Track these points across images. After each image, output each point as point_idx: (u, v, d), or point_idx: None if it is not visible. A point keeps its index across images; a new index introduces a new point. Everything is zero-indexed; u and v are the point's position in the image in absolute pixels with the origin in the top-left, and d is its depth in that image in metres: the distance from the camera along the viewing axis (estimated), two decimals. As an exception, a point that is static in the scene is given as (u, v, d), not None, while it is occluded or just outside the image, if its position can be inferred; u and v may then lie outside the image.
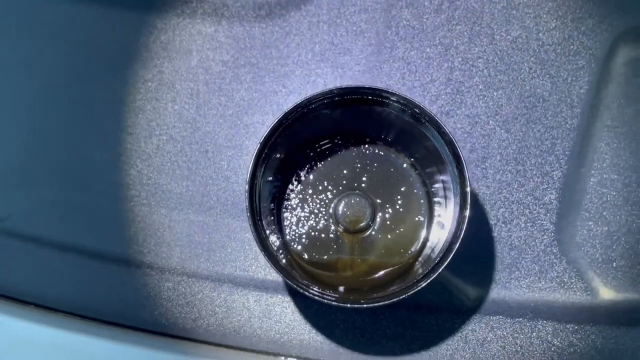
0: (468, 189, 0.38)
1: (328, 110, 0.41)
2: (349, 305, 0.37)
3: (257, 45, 0.52)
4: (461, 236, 0.38)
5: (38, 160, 0.52)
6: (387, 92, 0.40)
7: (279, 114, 0.40)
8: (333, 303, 0.38)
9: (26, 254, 0.50)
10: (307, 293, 0.38)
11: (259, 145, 0.39)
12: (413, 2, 0.52)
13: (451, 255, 0.37)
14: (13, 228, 0.50)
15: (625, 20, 0.50)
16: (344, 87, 0.40)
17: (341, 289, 0.44)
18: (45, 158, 0.52)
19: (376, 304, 0.37)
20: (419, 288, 0.37)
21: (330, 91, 0.40)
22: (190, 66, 0.52)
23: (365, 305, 0.37)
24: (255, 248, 0.49)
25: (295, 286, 0.38)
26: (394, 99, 0.40)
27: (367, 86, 0.40)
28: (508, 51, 0.51)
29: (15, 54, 0.53)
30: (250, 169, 0.39)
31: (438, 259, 0.38)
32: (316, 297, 0.38)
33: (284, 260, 0.43)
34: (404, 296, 0.37)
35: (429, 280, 0.37)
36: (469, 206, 0.38)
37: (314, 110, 0.41)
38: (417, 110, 0.40)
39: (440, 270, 0.37)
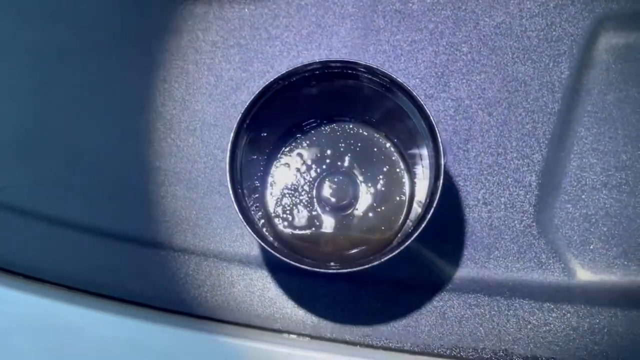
0: (442, 161, 0.39)
1: (308, 87, 0.43)
2: (323, 271, 0.38)
3: (246, 27, 0.53)
4: (434, 205, 0.39)
5: (35, 136, 0.53)
6: (357, 63, 0.41)
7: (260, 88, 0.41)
8: (308, 268, 0.39)
9: (18, 227, 0.51)
10: (279, 255, 0.39)
11: (240, 115, 0.41)
12: (400, -13, 0.53)
13: (424, 224, 0.38)
14: (7, 200, 0.52)
15: (607, 8, 0.51)
16: (317, 61, 0.41)
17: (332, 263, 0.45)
18: (43, 134, 0.53)
19: (344, 270, 0.38)
20: (392, 255, 0.38)
21: (307, 65, 0.41)
22: (180, 46, 0.53)
23: (337, 271, 0.38)
24: (241, 224, 0.50)
25: (268, 248, 0.39)
26: (363, 70, 0.42)
27: (337, 59, 0.41)
28: (492, 36, 0.52)
29: (18, 32, 0.55)
30: (231, 138, 0.40)
31: (410, 229, 0.39)
32: (290, 261, 0.39)
33: (269, 237, 0.44)
34: (377, 262, 0.38)
35: (401, 248, 0.38)
36: (442, 176, 0.39)
37: (294, 84, 0.42)
38: (386, 79, 0.41)
39: (412, 238, 0.38)
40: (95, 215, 0.51)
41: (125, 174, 0.52)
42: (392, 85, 0.41)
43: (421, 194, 0.46)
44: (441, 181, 0.39)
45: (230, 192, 0.40)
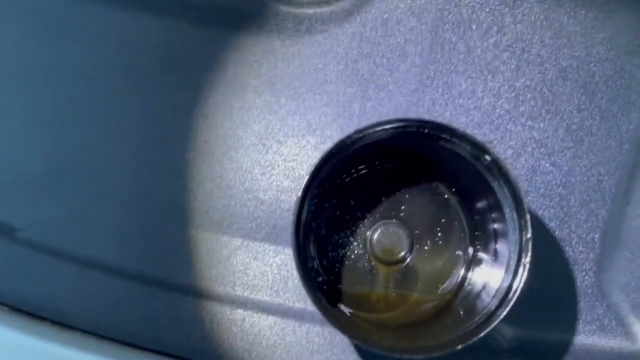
0: (529, 236, 0.36)
1: (378, 142, 0.39)
2: (401, 356, 0.35)
3: (296, 61, 0.50)
4: (520, 286, 0.36)
5: (61, 171, 0.50)
6: (457, 133, 0.38)
7: (327, 140, 0.38)
8: (391, 354, 0.35)
9: (43, 266, 0.48)
10: (363, 345, 0.36)
11: (305, 182, 0.37)
12: (460, 24, 0.49)
13: (510, 305, 0.35)
14: (32, 238, 0.48)
15: (680, 55, 0.48)
16: (402, 119, 0.38)
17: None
18: (70, 169, 0.50)
19: (434, 354, 0.35)
20: (476, 338, 0.35)
21: (387, 122, 0.38)
22: (225, 79, 0.50)
23: (422, 357, 0.35)
24: (284, 272, 0.47)
25: (354, 340, 0.36)
26: (462, 141, 0.38)
27: (433, 122, 0.38)
28: (557, 81, 0.49)
29: (45, 58, 0.51)
30: (296, 206, 0.37)
31: (493, 307, 0.36)
32: (368, 348, 0.36)
33: (323, 300, 0.41)
34: (459, 347, 0.35)
35: (487, 330, 0.35)
36: (529, 254, 0.36)
37: (363, 140, 0.39)
38: (487, 157, 0.38)
39: (497, 321, 0.35)
40: (127, 257, 0.48)
41: (161, 214, 0.48)
42: (490, 163, 0.38)
43: (482, 249, 0.43)
44: (528, 259, 0.36)
45: (296, 262, 0.36)
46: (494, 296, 0.37)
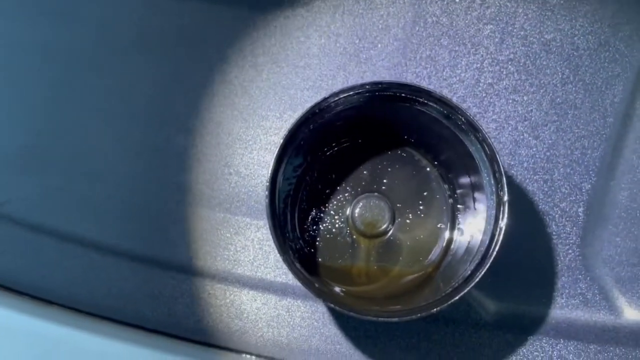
0: (506, 199, 0.36)
1: (355, 108, 0.39)
2: (377, 319, 0.34)
3: (277, 35, 0.49)
4: (496, 249, 0.35)
5: (44, 147, 0.49)
6: (426, 91, 0.37)
7: (304, 109, 0.37)
8: (363, 318, 0.35)
9: (23, 241, 0.48)
10: (337, 307, 0.35)
11: (280, 145, 0.37)
12: (443, -2, 0.49)
13: (486, 268, 0.35)
14: (13, 214, 0.48)
15: (664, 28, 0.48)
16: (377, 82, 0.37)
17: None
18: (52, 145, 0.49)
19: (407, 318, 0.34)
20: (452, 301, 0.34)
21: (362, 85, 0.37)
22: (205, 53, 0.49)
23: (397, 320, 0.34)
24: (266, 247, 0.47)
25: (328, 303, 0.35)
26: (432, 100, 0.38)
27: (404, 83, 0.37)
28: (540, 54, 0.48)
29: (31, 37, 0.51)
30: (270, 171, 0.36)
31: (469, 272, 0.36)
32: (343, 311, 0.35)
33: (297, 264, 0.40)
34: (434, 310, 0.35)
35: (461, 294, 0.35)
36: (506, 216, 0.36)
37: (340, 105, 0.38)
38: (459, 116, 0.37)
39: (472, 284, 0.35)
40: (107, 233, 0.47)
41: (142, 190, 0.48)
42: (452, 113, 0.37)
43: (463, 221, 0.43)
44: (504, 222, 0.35)
45: (272, 234, 0.36)
46: (471, 262, 0.37)
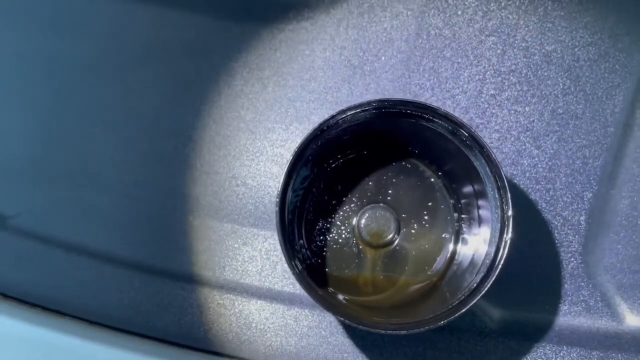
0: (510, 213, 0.37)
1: (362, 123, 0.40)
2: (385, 332, 0.35)
3: (283, 48, 0.50)
4: (502, 262, 0.36)
5: (52, 158, 0.50)
6: (431, 108, 0.38)
7: (312, 124, 0.38)
8: (372, 330, 0.36)
9: (33, 253, 0.48)
10: (346, 321, 0.36)
11: (290, 160, 0.37)
12: (445, 10, 0.50)
13: (491, 281, 0.36)
14: (22, 226, 0.49)
15: (663, 39, 0.49)
16: (384, 99, 0.38)
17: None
18: (61, 156, 0.50)
19: (416, 330, 0.35)
20: (459, 314, 0.35)
21: (369, 103, 0.38)
22: (212, 66, 0.50)
23: (405, 332, 0.35)
24: (273, 257, 0.48)
25: (338, 317, 0.36)
26: (437, 117, 0.39)
27: (409, 100, 0.38)
28: (541, 65, 0.49)
29: (37, 48, 0.51)
30: (280, 186, 0.37)
31: (475, 284, 0.37)
32: (352, 324, 0.36)
33: (307, 278, 0.41)
34: (441, 323, 0.36)
35: (468, 306, 0.35)
36: (510, 230, 0.36)
37: (347, 122, 0.39)
38: (464, 132, 0.38)
39: (479, 296, 0.36)
40: (117, 243, 0.48)
41: (150, 202, 0.49)
42: (455, 128, 0.38)
43: (468, 231, 0.44)
44: (509, 236, 0.36)
45: (281, 246, 0.37)
46: (477, 274, 0.37)
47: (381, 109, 0.38)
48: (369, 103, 0.38)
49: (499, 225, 0.37)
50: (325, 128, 0.38)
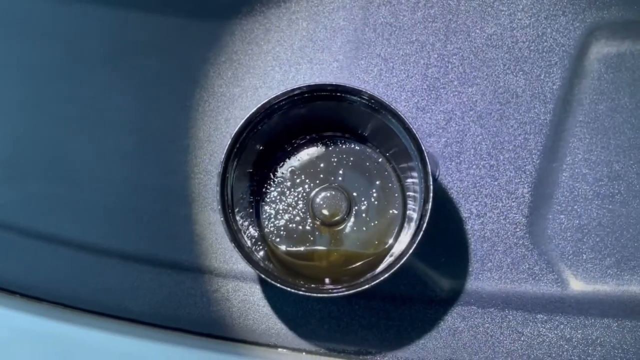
0: (430, 183, 0.39)
1: (298, 108, 0.43)
2: (315, 295, 0.39)
3: (238, 42, 0.53)
4: (423, 229, 0.39)
5: (27, 155, 0.53)
6: (346, 87, 0.42)
7: (248, 112, 0.41)
8: (300, 293, 0.39)
9: (11, 244, 0.52)
10: (271, 281, 0.40)
11: (230, 141, 0.41)
12: (390, 0, 0.53)
13: (413, 247, 0.39)
14: (4, 219, 0.52)
15: (598, 17, 0.51)
16: (306, 85, 0.42)
17: (327, 280, 0.46)
18: (34, 152, 0.53)
19: (340, 294, 0.38)
20: (383, 278, 0.38)
21: (292, 90, 0.42)
22: (170, 62, 0.53)
23: (332, 295, 0.38)
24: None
25: (261, 274, 0.40)
26: (350, 93, 0.42)
27: (329, 83, 0.41)
28: (483, 48, 0.52)
29: (8, 50, 0.55)
30: (222, 163, 0.40)
31: (402, 250, 0.40)
32: (281, 286, 0.39)
33: (261, 253, 0.44)
34: (367, 286, 0.39)
35: (391, 272, 0.38)
36: (430, 200, 0.39)
37: (282, 107, 0.42)
38: (376, 102, 0.42)
39: (402, 262, 0.39)
40: (88, 233, 0.51)
41: (118, 192, 0.52)
42: (381, 107, 0.41)
43: (414, 208, 0.46)
44: (430, 204, 0.39)
45: (222, 219, 0.40)
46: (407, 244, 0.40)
47: (304, 93, 0.41)
48: (293, 90, 0.42)
49: (423, 195, 0.40)
50: (262, 111, 0.41)
